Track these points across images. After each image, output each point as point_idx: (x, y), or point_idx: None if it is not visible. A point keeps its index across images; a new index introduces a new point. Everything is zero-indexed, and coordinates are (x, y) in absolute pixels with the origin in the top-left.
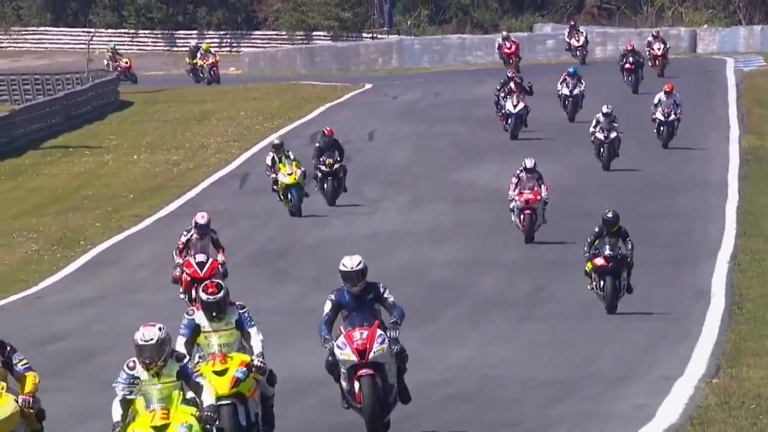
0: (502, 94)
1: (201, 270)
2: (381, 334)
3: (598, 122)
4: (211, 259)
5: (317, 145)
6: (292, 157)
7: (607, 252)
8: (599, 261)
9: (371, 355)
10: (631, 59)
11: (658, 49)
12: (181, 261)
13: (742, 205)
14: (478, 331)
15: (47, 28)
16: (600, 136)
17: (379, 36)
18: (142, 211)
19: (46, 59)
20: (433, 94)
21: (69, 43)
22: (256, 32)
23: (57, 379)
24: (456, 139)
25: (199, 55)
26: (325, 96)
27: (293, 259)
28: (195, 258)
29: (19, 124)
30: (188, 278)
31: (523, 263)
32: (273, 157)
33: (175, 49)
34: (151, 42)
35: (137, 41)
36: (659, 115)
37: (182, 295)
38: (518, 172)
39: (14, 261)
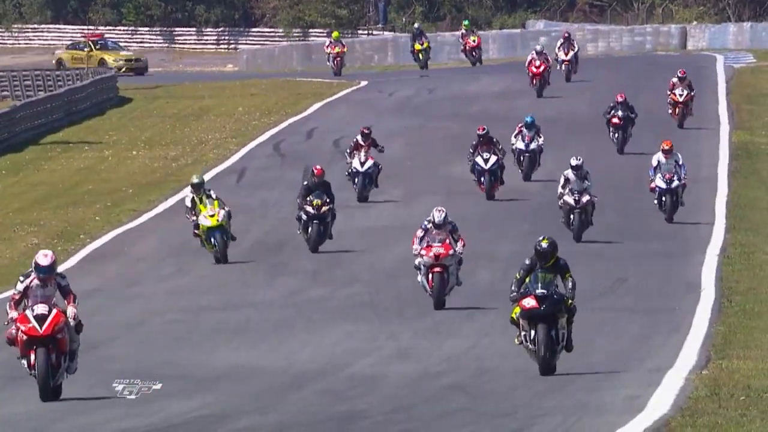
0: (348, 150)
1: (40, 326)
2: None
3: (567, 181)
4: (54, 311)
5: (304, 183)
6: (213, 196)
7: (539, 291)
8: (528, 302)
9: None
10: (620, 113)
11: (680, 95)
12: (15, 315)
13: (731, 200)
14: (472, 324)
15: (48, 26)
16: (569, 200)
17: (374, 33)
18: (141, 205)
19: (47, 56)
20: (427, 91)
21: (69, 40)
22: (253, 29)
23: None
24: (449, 134)
25: (328, 42)
26: (322, 92)
27: (290, 252)
28: (33, 310)
29: (20, 120)
30: (24, 337)
31: (518, 256)
32: (193, 198)
33: (174, 45)
34: (150, 39)
35: (136, 38)
36: (659, 182)
37: (22, 361)
38: (425, 224)
39: (15, 254)
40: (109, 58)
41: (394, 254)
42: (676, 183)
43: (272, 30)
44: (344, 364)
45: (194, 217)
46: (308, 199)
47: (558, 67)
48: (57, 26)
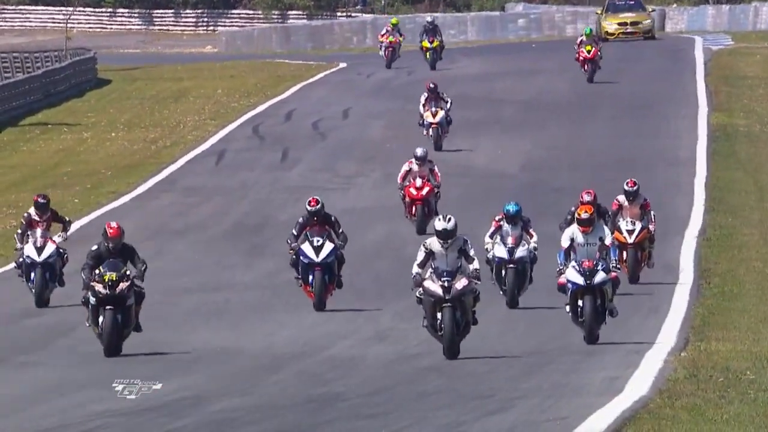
0: (19, 230)
1: None
2: None
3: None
4: None
5: (93, 248)
6: None
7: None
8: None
9: None
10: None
11: (629, 231)
12: None
13: (710, 181)
14: None
15: (26, 7)
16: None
17: (353, 15)
18: (120, 187)
19: (26, 37)
20: (405, 73)
21: (48, 22)
22: (232, 11)
23: (36, 353)
24: None
25: (384, 30)
26: (301, 74)
27: (269, 234)
28: None
29: None
30: None
31: None
32: None
33: (152, 27)
34: (129, 21)
35: (115, 20)
36: (573, 276)
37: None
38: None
39: None
40: (605, 23)
41: (374, 236)
42: (600, 277)
43: (251, 12)
44: (322, 347)
45: None
46: (96, 273)
47: (424, 132)
48: (36, 8)
